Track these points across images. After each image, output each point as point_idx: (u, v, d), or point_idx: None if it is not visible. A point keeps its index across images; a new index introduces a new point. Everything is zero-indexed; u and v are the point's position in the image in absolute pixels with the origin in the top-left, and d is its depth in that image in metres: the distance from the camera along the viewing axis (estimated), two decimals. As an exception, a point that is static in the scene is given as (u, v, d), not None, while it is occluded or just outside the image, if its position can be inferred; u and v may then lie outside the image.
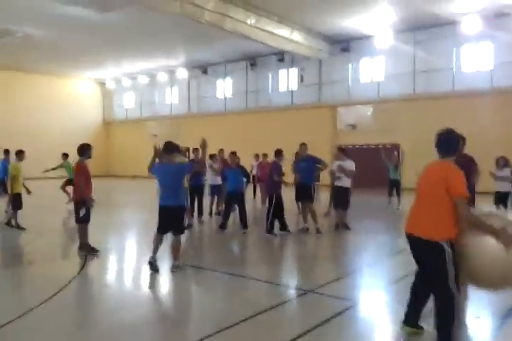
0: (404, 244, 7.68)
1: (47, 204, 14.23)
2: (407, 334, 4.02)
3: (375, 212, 13.12)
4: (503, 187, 10.08)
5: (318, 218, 9.54)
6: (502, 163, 10.16)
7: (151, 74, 30.27)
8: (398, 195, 13.61)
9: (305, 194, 9.47)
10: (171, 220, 6.39)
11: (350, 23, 18.92)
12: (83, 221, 7.37)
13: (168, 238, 6.60)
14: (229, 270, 6.69)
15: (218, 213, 11.77)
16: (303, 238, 9.10)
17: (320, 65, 22.93)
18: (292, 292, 5.62)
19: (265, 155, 14.75)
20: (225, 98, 27.25)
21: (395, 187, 13.59)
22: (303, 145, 9.70)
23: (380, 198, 14.46)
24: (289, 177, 9.90)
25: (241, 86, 26.36)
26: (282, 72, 24.74)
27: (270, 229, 9.11)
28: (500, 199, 10.06)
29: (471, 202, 5.61)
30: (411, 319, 4.02)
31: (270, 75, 25.10)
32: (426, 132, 19.56)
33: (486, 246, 3.51)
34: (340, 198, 9.60)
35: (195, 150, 11.28)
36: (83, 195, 7.30)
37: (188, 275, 6.29)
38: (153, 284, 6.13)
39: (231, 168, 9.91)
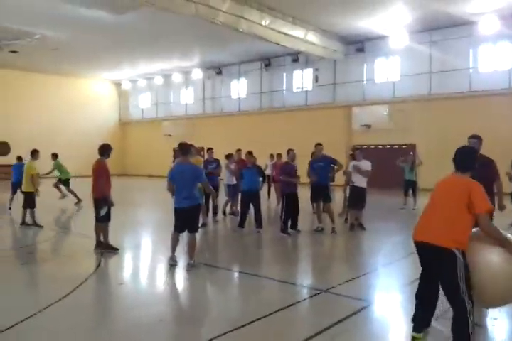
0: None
1: (61, 203, 14.42)
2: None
3: (391, 213, 13.05)
4: None
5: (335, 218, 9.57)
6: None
7: (166, 75, 30.49)
8: (414, 195, 13.54)
9: (322, 194, 9.48)
10: (186, 220, 6.52)
11: (365, 23, 18.83)
12: (103, 220, 7.47)
13: (185, 237, 6.69)
14: (243, 269, 6.75)
15: (232, 213, 11.83)
16: (318, 238, 9.11)
17: (335, 65, 22.86)
18: (307, 291, 5.64)
19: (279, 156, 14.79)
20: (240, 98, 27.32)
21: (410, 187, 13.51)
22: (319, 145, 9.70)
23: (396, 198, 14.38)
24: (304, 177, 9.87)
25: (255, 86, 26.40)
26: (297, 73, 24.72)
27: (284, 229, 9.15)
28: None
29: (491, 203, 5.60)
30: (420, 327, 3.99)
31: (284, 76, 25.09)
32: (442, 132, 19.60)
33: (490, 262, 3.59)
34: (356, 198, 9.59)
35: (209, 150, 11.37)
36: (104, 193, 7.38)
37: (202, 273, 6.35)
38: (168, 282, 6.20)
39: (247, 168, 9.96)
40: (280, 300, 5.10)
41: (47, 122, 29.44)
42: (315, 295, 5.36)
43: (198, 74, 28.44)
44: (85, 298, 5.28)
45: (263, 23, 16.90)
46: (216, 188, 10.95)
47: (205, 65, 27.50)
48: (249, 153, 10.22)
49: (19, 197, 12.68)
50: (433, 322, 4.34)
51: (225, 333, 4.11)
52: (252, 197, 9.69)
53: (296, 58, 23.67)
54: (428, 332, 4.01)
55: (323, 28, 19.54)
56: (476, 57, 18.86)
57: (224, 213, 11.87)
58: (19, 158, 13.19)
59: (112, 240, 7.63)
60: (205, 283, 5.97)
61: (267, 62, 25.27)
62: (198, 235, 6.86)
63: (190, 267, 6.44)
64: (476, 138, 5.81)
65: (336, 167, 9.82)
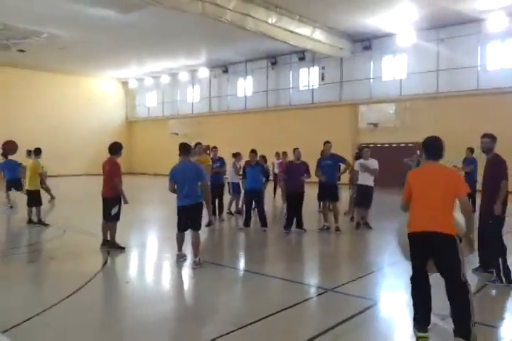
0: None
1: (68, 201, 14.50)
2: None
3: (397, 211, 12.95)
4: None
5: (339, 217, 9.54)
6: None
7: (173, 74, 30.54)
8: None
9: (330, 193, 9.43)
10: (189, 218, 6.61)
11: (372, 21, 18.74)
12: (113, 219, 7.49)
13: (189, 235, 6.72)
14: (249, 268, 6.77)
15: (238, 211, 11.84)
16: (324, 236, 9.10)
17: (341, 63, 22.78)
18: (312, 290, 5.64)
19: (285, 154, 14.76)
20: (246, 97, 27.30)
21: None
22: (327, 143, 9.57)
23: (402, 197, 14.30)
24: (312, 176, 9.80)
25: (262, 85, 26.38)
26: (303, 71, 24.66)
27: (285, 226, 9.22)
28: None
29: (505, 203, 5.55)
30: (425, 325, 4.01)
31: (291, 74, 25.04)
32: (449, 131, 19.46)
33: None
34: (363, 197, 9.56)
35: (214, 148, 11.35)
36: (118, 193, 7.39)
37: (208, 272, 6.36)
38: (174, 281, 6.23)
39: (251, 166, 9.95)
40: (286, 298, 5.09)
41: (54, 121, 29.58)
42: (321, 294, 5.35)
43: (204, 72, 28.46)
44: (92, 296, 5.30)
45: (270, 21, 16.87)
46: (221, 187, 10.96)
47: (211, 63, 27.51)
48: (253, 152, 10.20)
49: (15, 195, 12.83)
50: (440, 322, 4.34)
51: (230, 332, 4.11)
52: (254, 196, 9.67)
53: (303, 56, 23.62)
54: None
55: (329, 25, 19.48)
56: (483, 55, 18.73)
57: (230, 212, 11.88)
58: (5, 155, 13.34)
59: (119, 238, 7.65)
60: (211, 282, 5.98)
61: (274, 60, 25.23)
62: (202, 233, 6.89)
63: (196, 265, 6.49)
64: (490, 137, 5.77)
65: (344, 166, 9.78)
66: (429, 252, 3.99)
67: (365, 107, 21.76)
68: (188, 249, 6.82)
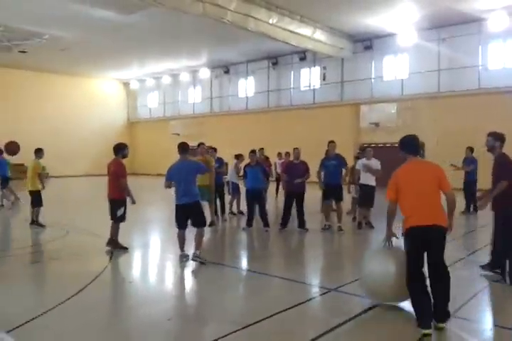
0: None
1: (70, 201, 14.53)
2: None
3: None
4: None
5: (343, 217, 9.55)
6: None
7: (174, 74, 30.57)
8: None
9: (335, 193, 9.41)
10: (189, 216, 6.69)
11: (373, 21, 18.74)
12: (119, 220, 7.51)
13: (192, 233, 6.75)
14: (252, 267, 6.78)
15: (240, 211, 11.85)
16: (326, 236, 9.10)
17: (342, 63, 22.78)
18: (315, 290, 5.64)
19: (288, 154, 14.76)
20: (247, 97, 27.31)
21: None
22: (332, 143, 9.52)
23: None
24: (313, 176, 9.80)
25: (263, 85, 26.39)
26: (304, 71, 24.67)
27: (281, 223, 9.32)
28: None
29: None
30: (429, 321, 4.09)
31: (292, 74, 25.06)
32: (451, 130, 19.45)
33: None
34: (366, 197, 9.55)
35: (211, 149, 11.30)
36: (126, 193, 7.42)
37: (211, 272, 6.37)
38: (176, 281, 6.24)
39: (251, 166, 9.94)
40: (289, 298, 5.09)
41: (56, 122, 29.65)
42: (324, 293, 5.36)
43: (205, 73, 28.49)
44: (95, 296, 5.31)
45: (271, 21, 16.89)
46: (221, 186, 10.97)
47: (212, 64, 27.53)
48: (252, 152, 10.19)
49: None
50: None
51: (233, 331, 4.12)
52: (255, 196, 9.67)
53: (304, 56, 23.62)
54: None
55: (330, 25, 19.48)
56: (485, 55, 18.72)
57: (232, 212, 11.89)
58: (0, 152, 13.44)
59: (122, 238, 7.65)
60: (214, 282, 5.99)
61: (275, 60, 25.24)
62: (206, 232, 6.91)
63: (195, 257, 6.58)
64: (491, 135, 5.74)
65: (344, 171, 9.77)
66: (425, 245, 4.18)
67: (367, 107, 21.76)
68: (191, 249, 6.83)
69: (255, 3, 16.10)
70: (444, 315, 4.16)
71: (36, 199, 9.91)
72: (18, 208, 13.22)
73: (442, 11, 17.21)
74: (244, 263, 7.31)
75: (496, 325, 4.49)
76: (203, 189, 9.45)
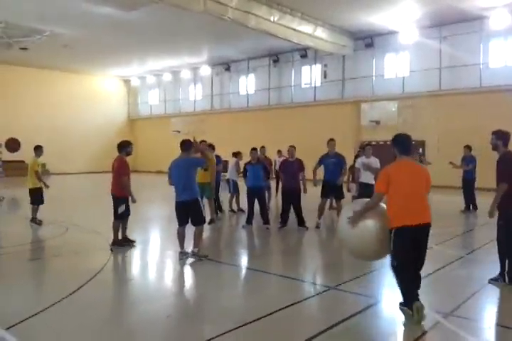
0: (429, 241, 7.60)
1: (70, 198, 14.54)
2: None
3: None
4: None
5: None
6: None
7: (174, 72, 30.55)
8: (423, 192, 13.46)
9: (333, 191, 9.38)
10: (189, 213, 6.72)
11: (375, 18, 18.70)
12: (120, 217, 7.53)
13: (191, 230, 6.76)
14: (251, 265, 6.79)
15: (241, 209, 11.86)
16: (326, 234, 9.11)
17: (343, 60, 22.74)
18: (315, 288, 5.65)
19: (280, 152, 14.79)
20: (248, 94, 27.29)
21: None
22: (331, 141, 9.49)
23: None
24: (310, 174, 9.79)
25: (264, 82, 26.36)
26: (305, 68, 24.63)
27: (280, 222, 9.32)
28: None
29: None
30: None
31: (293, 71, 25.03)
32: (452, 129, 19.44)
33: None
34: (365, 195, 9.52)
35: (209, 146, 11.27)
36: (127, 192, 7.42)
37: (210, 270, 6.38)
38: (176, 278, 6.25)
39: (251, 164, 9.94)
40: (288, 296, 5.09)
41: (56, 119, 29.66)
42: (323, 291, 5.36)
43: (206, 70, 28.46)
44: (94, 294, 5.31)
45: (272, 18, 16.85)
46: (217, 184, 10.96)
47: (213, 61, 27.50)
48: (254, 149, 10.19)
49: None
50: (442, 320, 4.35)
51: (232, 329, 4.13)
52: (256, 193, 9.67)
53: (305, 54, 23.58)
54: None
55: (332, 23, 19.44)
56: (486, 53, 18.68)
57: (232, 209, 11.90)
58: None
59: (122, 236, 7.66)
60: (213, 280, 5.99)
61: (276, 58, 25.20)
62: (204, 231, 6.92)
63: (193, 255, 6.63)
64: (494, 133, 5.70)
65: (342, 170, 9.69)
66: (415, 242, 4.39)
67: (368, 105, 21.73)
68: (190, 246, 6.85)
69: (256, 0, 16.06)
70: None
71: (34, 197, 9.90)
72: (17, 205, 13.21)
73: (444, 8, 17.17)
74: (243, 260, 7.31)
75: (495, 323, 4.49)
76: (204, 186, 9.48)
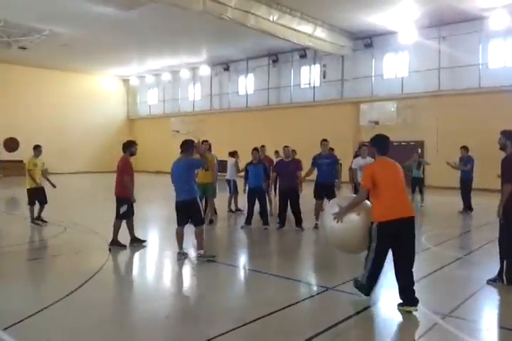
0: (427, 242, 7.60)
1: (69, 198, 14.51)
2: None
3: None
4: None
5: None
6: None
7: (174, 71, 30.53)
8: (421, 192, 13.49)
9: (326, 191, 9.36)
10: (188, 213, 6.72)
11: (374, 19, 18.70)
12: (121, 217, 7.54)
13: (191, 231, 6.74)
14: (249, 266, 6.78)
15: (239, 209, 11.85)
16: (324, 235, 9.08)
17: (343, 61, 22.75)
18: (313, 289, 5.64)
19: (294, 152, 14.72)
20: (247, 94, 27.29)
21: (418, 184, 13.45)
22: (324, 141, 9.46)
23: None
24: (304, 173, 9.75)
25: (263, 82, 26.35)
26: (304, 69, 24.63)
27: (278, 222, 9.32)
28: None
29: None
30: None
31: (292, 72, 25.02)
32: (451, 129, 19.44)
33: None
34: None
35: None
36: (125, 192, 7.44)
37: (208, 270, 6.37)
38: (174, 279, 6.25)
39: (253, 164, 9.93)
40: (286, 297, 5.09)
41: (55, 118, 29.64)
42: (321, 292, 5.36)
43: (205, 70, 28.45)
44: (92, 294, 5.30)
45: (271, 18, 16.85)
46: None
47: (212, 61, 27.49)
48: (255, 149, 10.18)
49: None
50: (440, 321, 4.35)
51: (231, 330, 4.12)
52: (257, 194, 9.66)
53: (304, 54, 23.58)
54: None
55: (331, 23, 19.44)
56: (485, 53, 18.70)
57: (230, 210, 11.89)
58: None
59: (121, 235, 7.64)
60: (211, 280, 5.99)
61: (275, 58, 25.19)
62: (204, 228, 6.92)
63: (199, 257, 6.61)
64: (502, 133, 5.71)
65: (335, 170, 9.64)
66: (397, 236, 4.59)
67: (367, 105, 21.74)
68: (189, 247, 6.84)
69: (256, 0, 16.05)
70: (415, 300, 4.56)
71: (29, 197, 9.86)
72: (16, 205, 13.18)
73: (443, 8, 17.18)
74: (241, 261, 7.31)
75: (492, 324, 4.49)
76: (207, 186, 9.47)
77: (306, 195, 9.65)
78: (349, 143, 20.91)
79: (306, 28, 18.54)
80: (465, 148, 12.21)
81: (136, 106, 34.83)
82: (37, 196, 9.88)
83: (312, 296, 5.30)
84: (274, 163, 14.67)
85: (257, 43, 22.29)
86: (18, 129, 27.82)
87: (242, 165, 12.28)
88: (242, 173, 11.05)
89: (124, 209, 7.47)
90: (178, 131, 29.93)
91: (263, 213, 9.61)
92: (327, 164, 9.24)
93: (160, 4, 14.62)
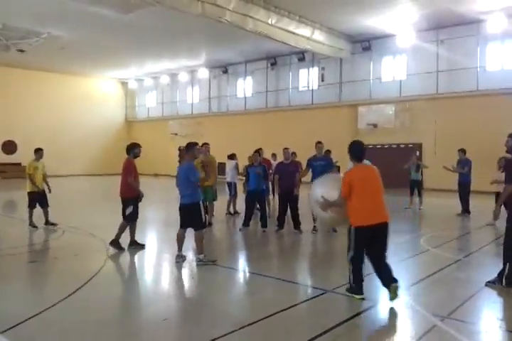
0: (426, 244, 7.60)
1: (67, 201, 14.48)
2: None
3: (396, 212, 13.00)
4: None
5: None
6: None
7: (172, 74, 30.56)
8: (420, 195, 13.49)
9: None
10: (189, 217, 6.73)
11: (372, 22, 18.76)
12: (129, 219, 7.57)
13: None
14: (248, 268, 6.77)
15: (236, 211, 11.84)
16: (323, 237, 9.09)
17: (341, 63, 22.80)
18: (311, 291, 5.63)
19: (295, 154, 14.75)
20: (246, 97, 27.32)
21: (416, 187, 13.46)
22: (319, 143, 9.43)
23: (402, 198, 14.32)
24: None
25: (261, 85, 26.39)
26: (303, 72, 24.68)
27: (277, 225, 9.31)
28: None
29: None
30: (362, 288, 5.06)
31: (290, 74, 25.06)
32: (449, 132, 19.49)
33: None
34: None
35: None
36: (130, 193, 7.49)
37: (207, 272, 6.35)
38: (172, 281, 6.23)
39: (253, 167, 9.93)
40: (285, 299, 5.08)
41: (54, 121, 29.63)
42: (320, 295, 5.35)
43: (204, 73, 28.48)
44: (90, 297, 5.28)
45: (269, 21, 16.88)
46: None
47: (211, 64, 27.53)
48: (256, 152, 10.17)
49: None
50: (439, 323, 4.35)
51: (230, 332, 4.11)
52: (257, 196, 9.66)
53: (303, 57, 23.63)
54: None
55: (329, 26, 19.50)
56: (483, 56, 18.76)
57: (230, 212, 11.89)
58: None
59: (122, 238, 7.63)
60: (210, 282, 5.97)
61: (273, 61, 25.24)
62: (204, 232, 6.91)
63: (199, 261, 6.60)
64: (509, 136, 5.75)
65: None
66: (373, 238, 4.92)
67: (365, 108, 21.79)
68: (188, 250, 6.83)
69: (254, 3, 16.09)
70: (393, 280, 4.95)
71: (29, 200, 9.83)
72: (13, 208, 13.14)
73: (441, 12, 17.25)
74: (240, 263, 7.29)
75: (491, 327, 4.49)
76: (207, 189, 9.46)
77: (303, 197, 9.64)
78: (347, 145, 20.87)
79: (305, 31, 18.59)
80: (462, 151, 12.24)
81: (134, 108, 34.85)
82: (37, 199, 9.85)
83: (311, 298, 5.29)
84: (274, 165, 14.71)
85: (256, 46, 22.33)
86: (17, 132, 27.82)
87: (240, 167, 12.31)
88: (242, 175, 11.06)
89: (130, 209, 7.52)
90: (176, 134, 29.96)
91: (262, 215, 9.60)
92: (322, 166, 9.19)
93: (159, 7, 14.62)
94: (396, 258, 7.27)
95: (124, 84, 34.49)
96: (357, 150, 5.15)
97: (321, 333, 4.10)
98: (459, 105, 18.87)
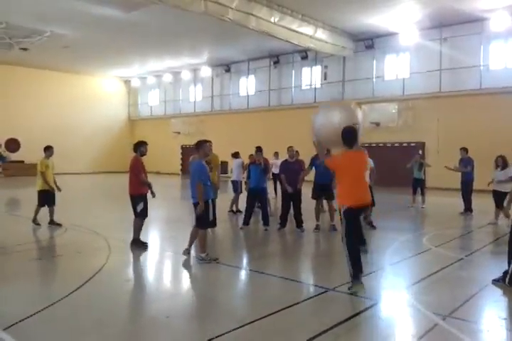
0: (428, 243, 7.60)
1: (71, 199, 14.50)
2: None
3: (399, 211, 13.00)
4: None
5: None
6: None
7: (175, 72, 30.56)
8: (422, 193, 13.47)
9: (324, 192, 9.36)
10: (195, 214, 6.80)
11: (375, 20, 18.72)
12: (140, 216, 7.62)
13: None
14: (250, 266, 6.78)
15: (238, 210, 11.85)
16: (325, 236, 9.09)
17: (344, 62, 22.76)
18: (313, 290, 5.63)
19: (297, 153, 14.73)
20: (248, 96, 27.30)
21: (419, 185, 13.44)
22: None
23: (404, 197, 14.32)
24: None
25: (264, 84, 26.37)
26: (305, 70, 24.65)
27: (279, 223, 9.33)
28: None
29: None
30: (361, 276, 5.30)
31: (293, 73, 25.04)
32: (451, 131, 19.45)
33: None
34: None
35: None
36: (140, 190, 7.56)
37: (209, 271, 6.37)
38: (174, 278, 6.25)
39: (255, 165, 9.93)
40: (287, 298, 5.09)
41: (57, 119, 29.68)
42: (322, 293, 5.35)
43: (206, 71, 28.48)
44: (92, 294, 5.29)
45: (272, 20, 16.86)
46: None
47: (213, 62, 27.52)
48: (259, 150, 10.17)
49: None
50: (440, 322, 4.35)
51: (231, 330, 4.12)
52: (258, 195, 9.66)
53: (305, 55, 23.60)
54: None
55: (332, 24, 19.46)
56: (486, 54, 18.70)
57: (232, 210, 11.89)
58: None
59: (122, 236, 7.66)
60: (212, 280, 5.99)
61: (276, 59, 25.21)
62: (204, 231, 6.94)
63: (200, 260, 6.65)
64: None
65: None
66: (357, 216, 5.40)
67: (368, 106, 21.68)
68: (194, 247, 6.91)
69: (257, 1, 16.06)
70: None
71: (38, 199, 9.82)
72: (17, 205, 13.18)
73: (444, 10, 17.20)
74: (242, 261, 7.30)
75: (493, 326, 4.48)
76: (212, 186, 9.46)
77: (305, 195, 9.64)
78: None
79: (307, 29, 18.55)
80: (464, 150, 12.21)
81: (137, 107, 34.88)
82: (47, 198, 9.78)
83: (313, 297, 5.30)
84: (278, 164, 14.73)
85: (258, 44, 22.31)
86: (20, 130, 27.89)
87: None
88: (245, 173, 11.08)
89: (140, 206, 7.56)
90: (179, 132, 30.00)
91: (264, 214, 9.60)
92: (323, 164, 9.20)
93: (161, 6, 14.62)
94: (399, 257, 7.29)
95: (126, 82, 34.52)
96: (348, 137, 5.34)
97: (323, 331, 4.11)
98: (462, 104, 18.82)
